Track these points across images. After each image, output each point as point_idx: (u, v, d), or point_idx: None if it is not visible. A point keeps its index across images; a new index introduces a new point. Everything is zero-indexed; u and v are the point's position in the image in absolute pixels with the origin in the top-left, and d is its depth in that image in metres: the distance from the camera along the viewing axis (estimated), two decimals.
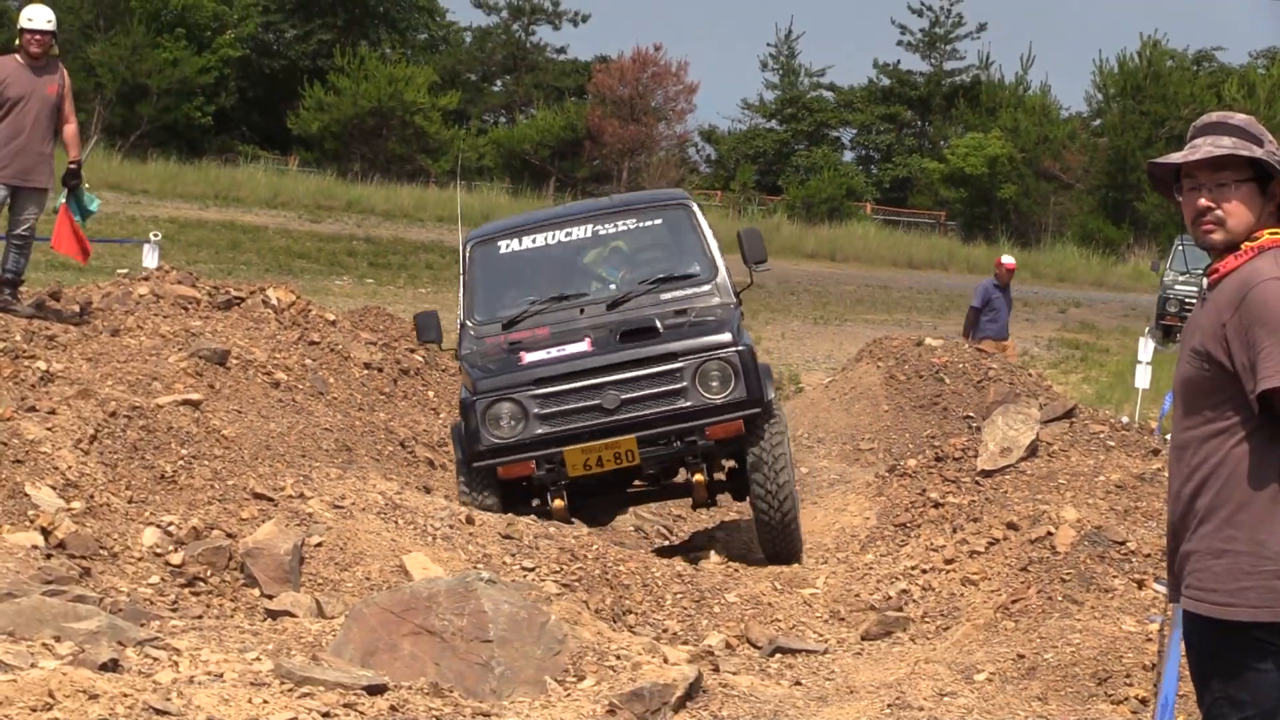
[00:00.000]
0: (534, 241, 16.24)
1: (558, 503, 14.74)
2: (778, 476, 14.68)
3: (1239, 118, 6.56)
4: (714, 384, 14.66)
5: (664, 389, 14.69)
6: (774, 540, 14.99)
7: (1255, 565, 6.39)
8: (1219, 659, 6.53)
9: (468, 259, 16.22)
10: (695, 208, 16.52)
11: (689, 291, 15.78)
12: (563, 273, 16.31)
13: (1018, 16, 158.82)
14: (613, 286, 16.07)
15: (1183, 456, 6.56)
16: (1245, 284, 6.38)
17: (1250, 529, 6.41)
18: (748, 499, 15.16)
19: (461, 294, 16.01)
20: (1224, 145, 6.37)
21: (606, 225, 16.38)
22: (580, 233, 16.28)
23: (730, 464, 15.59)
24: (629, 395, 14.65)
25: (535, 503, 15.14)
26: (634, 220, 16.49)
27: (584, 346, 14.96)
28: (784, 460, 14.81)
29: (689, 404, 14.64)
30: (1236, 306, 6.36)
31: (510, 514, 14.38)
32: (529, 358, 14.96)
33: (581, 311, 15.64)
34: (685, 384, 14.66)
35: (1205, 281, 6.62)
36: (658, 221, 16.54)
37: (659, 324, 15.09)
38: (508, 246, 16.22)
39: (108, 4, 75.17)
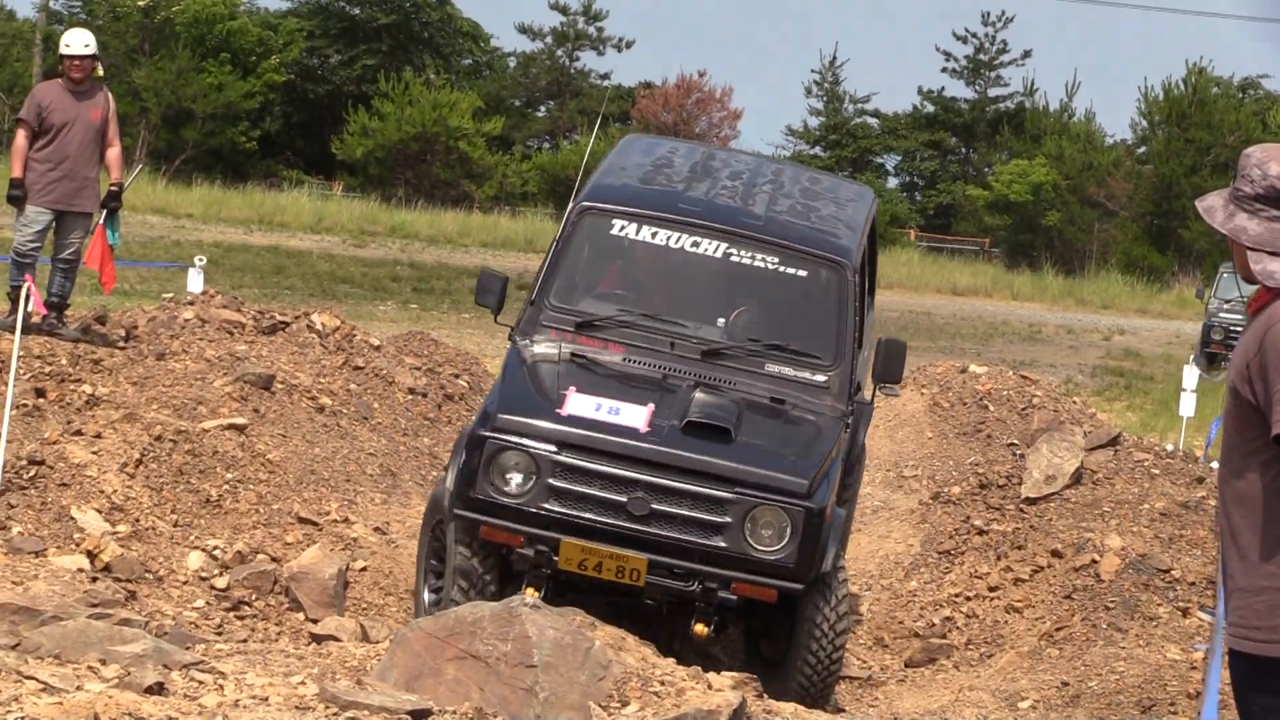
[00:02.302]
0: (653, 236, 13.24)
1: (530, 592, 11.68)
2: (832, 660, 11.94)
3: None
4: (764, 534, 11.73)
5: (704, 517, 11.78)
6: (805, 698, 11.78)
7: None
8: (1263, 693, 6.55)
9: (570, 225, 13.30)
10: (856, 276, 13.26)
11: (799, 375, 12.86)
12: (671, 289, 13.48)
13: (1063, 44, 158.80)
14: (720, 323, 13.15)
15: (1225, 489, 6.58)
16: (1267, 323, 6.39)
17: None
18: (788, 661, 12.14)
19: (545, 262, 13.26)
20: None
21: (744, 253, 13.19)
22: (710, 248, 13.18)
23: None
24: (662, 507, 11.77)
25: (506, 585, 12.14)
26: (778, 260, 13.18)
27: (640, 419, 12.02)
28: (843, 643, 12.09)
29: (725, 546, 11.75)
30: (1260, 345, 6.37)
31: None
32: (573, 404, 12.08)
33: (672, 346, 12.77)
34: (730, 520, 11.73)
35: (1247, 312, 6.65)
36: (801, 274, 13.26)
37: (738, 423, 12.14)
38: (622, 229, 13.27)
39: (153, 29, 75.37)
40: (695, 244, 13.14)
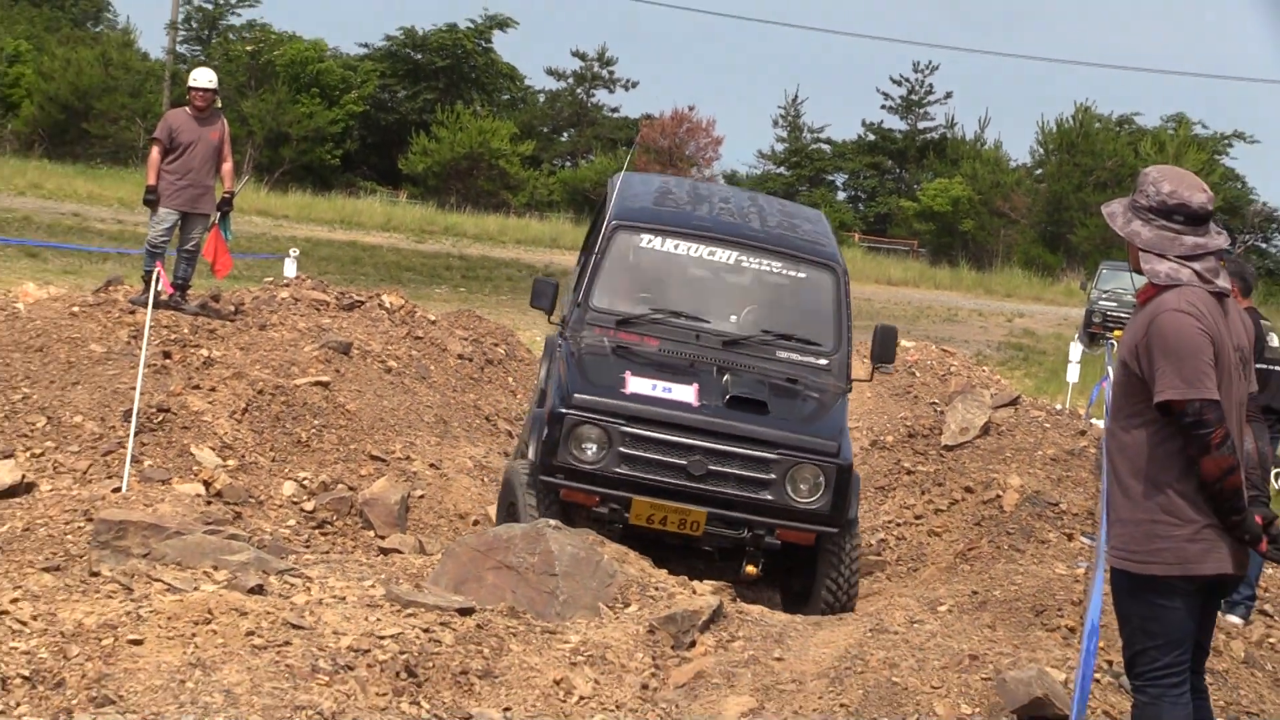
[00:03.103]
0: (676, 248, 13.09)
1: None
2: (849, 588, 11.96)
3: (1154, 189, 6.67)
4: (803, 487, 11.74)
5: (752, 475, 11.72)
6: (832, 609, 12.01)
7: (1167, 531, 6.43)
8: (1138, 602, 6.56)
9: (607, 238, 13.15)
10: (845, 276, 13.32)
11: (806, 359, 12.81)
12: (693, 292, 13.13)
13: (977, 86, 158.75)
14: (733, 319, 12.99)
15: (1111, 441, 6.62)
16: (1153, 312, 6.43)
17: (1158, 499, 6.45)
18: (812, 595, 12.15)
19: (589, 270, 13.09)
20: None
21: (752, 259, 13.12)
22: (724, 256, 13.11)
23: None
24: (717, 468, 11.70)
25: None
26: (781, 264, 13.17)
27: (690, 396, 11.96)
28: (856, 577, 12.05)
29: (771, 498, 11.71)
30: (1147, 329, 6.41)
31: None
32: (633, 384, 12.03)
33: (697, 338, 12.69)
34: (774, 477, 11.72)
35: (1136, 302, 6.68)
36: (802, 276, 13.22)
37: (770, 400, 12.12)
38: (649, 242, 13.12)
39: (258, 68, 75.22)
40: (711, 253, 13.08)
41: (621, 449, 11.66)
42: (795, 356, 12.77)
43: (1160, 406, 6.35)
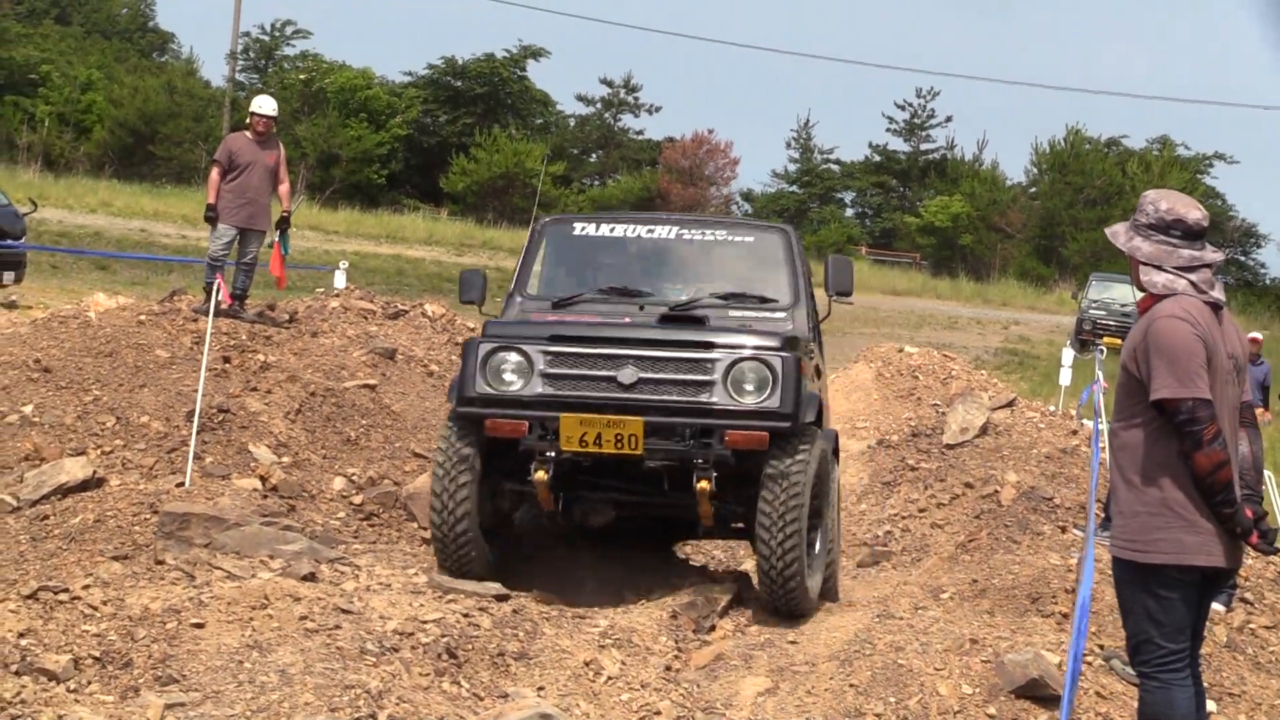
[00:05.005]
0: (611, 230, 11.39)
1: (540, 474, 9.78)
2: (789, 500, 9.67)
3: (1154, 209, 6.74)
4: (747, 386, 9.69)
5: (689, 378, 9.70)
6: (770, 587, 9.87)
7: (1165, 523, 6.45)
8: (1137, 591, 6.58)
9: (536, 234, 11.49)
10: (795, 238, 11.39)
11: (762, 315, 10.79)
12: (634, 269, 11.29)
13: (975, 111, 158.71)
14: (679, 288, 11.15)
15: (1114, 439, 6.67)
16: (1150, 319, 6.50)
17: (1157, 493, 6.48)
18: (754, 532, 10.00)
19: (518, 268, 11.33)
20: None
21: (693, 231, 11.34)
22: (663, 232, 11.30)
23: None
24: (649, 375, 9.69)
25: (513, 486, 10.27)
26: (724, 232, 11.46)
27: (620, 319, 10.27)
28: (801, 485, 9.71)
29: (713, 400, 9.66)
30: (1144, 334, 6.48)
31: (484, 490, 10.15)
32: (552, 318, 10.37)
33: (641, 309, 10.73)
34: (714, 378, 9.67)
35: (1137, 311, 6.82)
36: (749, 239, 11.51)
37: (709, 318, 10.36)
38: (582, 229, 11.46)
39: (311, 95, 75.42)
40: (650, 230, 11.34)
41: (543, 369, 9.79)
42: (751, 314, 10.79)
43: (1156, 405, 6.40)
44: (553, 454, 9.71)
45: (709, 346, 9.74)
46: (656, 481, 10.04)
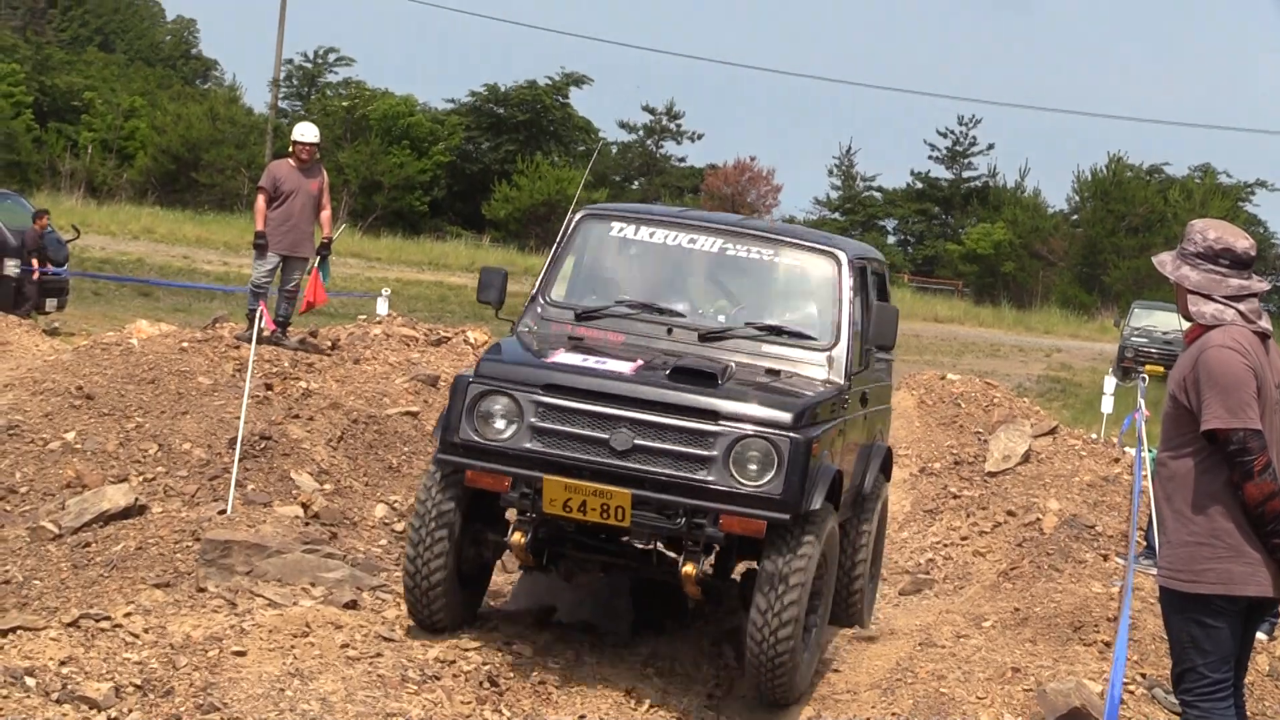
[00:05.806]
0: (651, 235, 10.35)
1: (517, 536, 9.05)
2: (784, 608, 8.73)
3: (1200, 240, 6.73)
4: (749, 466, 8.70)
5: (688, 450, 8.73)
6: (757, 678, 8.93)
7: (1213, 553, 6.44)
8: (1185, 620, 6.57)
9: (570, 229, 10.56)
10: (848, 267, 10.22)
11: (797, 354, 9.82)
12: (669, 283, 10.37)
13: (1018, 138, 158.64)
14: (721, 318, 10.16)
15: (1162, 469, 6.67)
16: (1199, 349, 6.49)
17: (1205, 523, 6.46)
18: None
19: (546, 266, 10.48)
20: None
21: (738, 248, 10.29)
22: (706, 244, 10.29)
23: (749, 566, 9.61)
24: (645, 443, 8.75)
25: (495, 537, 9.49)
26: (771, 252, 10.31)
27: (626, 369, 9.09)
28: (799, 589, 8.77)
29: (710, 479, 8.67)
30: (1194, 364, 6.47)
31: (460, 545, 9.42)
32: (560, 358, 9.25)
33: (669, 332, 9.86)
34: (715, 454, 8.69)
35: (1184, 341, 6.82)
36: (795, 263, 10.37)
37: (725, 373, 9.22)
38: (620, 230, 10.47)
39: (353, 122, 75.67)
40: (692, 240, 10.34)
41: (534, 421, 8.91)
42: (785, 351, 9.88)
43: (1207, 435, 6.38)
44: (534, 515, 8.98)
45: (714, 417, 8.79)
46: (641, 557, 9.26)
